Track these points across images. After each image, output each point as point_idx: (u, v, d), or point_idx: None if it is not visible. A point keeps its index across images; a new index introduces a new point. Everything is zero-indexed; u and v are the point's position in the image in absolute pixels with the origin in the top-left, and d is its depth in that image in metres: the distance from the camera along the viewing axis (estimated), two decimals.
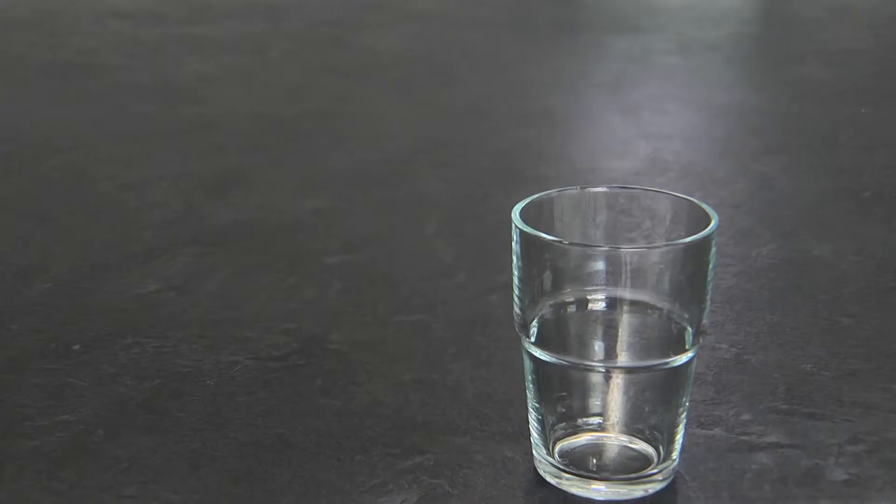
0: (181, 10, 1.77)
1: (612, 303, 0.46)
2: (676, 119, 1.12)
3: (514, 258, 0.46)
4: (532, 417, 0.48)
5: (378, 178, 0.92)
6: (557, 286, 0.47)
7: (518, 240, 0.46)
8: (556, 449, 0.48)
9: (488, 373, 0.57)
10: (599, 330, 0.47)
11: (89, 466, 0.49)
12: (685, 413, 0.47)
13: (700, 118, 1.14)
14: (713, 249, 0.45)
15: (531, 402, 0.48)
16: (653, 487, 0.47)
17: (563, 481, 0.47)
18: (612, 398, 0.47)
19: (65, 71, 1.37)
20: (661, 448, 0.47)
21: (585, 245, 0.48)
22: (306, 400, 0.55)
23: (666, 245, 0.47)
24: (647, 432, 0.47)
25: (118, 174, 0.93)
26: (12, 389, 0.56)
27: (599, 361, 0.46)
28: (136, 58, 1.44)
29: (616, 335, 0.47)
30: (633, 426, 0.47)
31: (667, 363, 0.46)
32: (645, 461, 0.47)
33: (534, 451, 0.48)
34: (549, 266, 0.46)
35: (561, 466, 0.47)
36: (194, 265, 0.72)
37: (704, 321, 0.46)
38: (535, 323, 0.47)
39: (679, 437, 0.48)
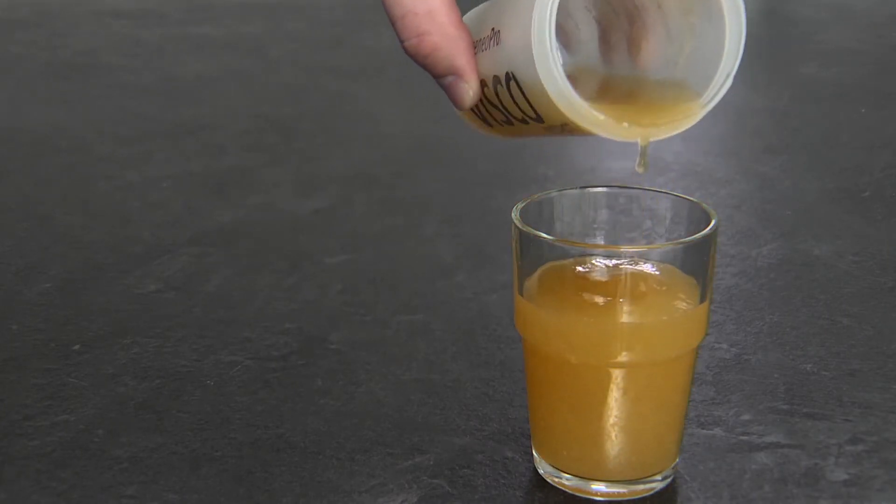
0: (181, 10, 1.77)
1: None
2: None
3: (514, 258, 0.46)
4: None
5: (378, 178, 0.92)
6: None
7: (518, 240, 0.46)
8: None
9: (488, 373, 0.57)
10: None
11: (89, 466, 0.49)
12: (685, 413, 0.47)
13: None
14: (713, 249, 0.45)
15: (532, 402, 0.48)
16: (653, 487, 0.47)
17: (564, 481, 0.47)
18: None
19: (65, 71, 1.37)
20: None
21: (585, 245, 0.48)
22: (306, 400, 0.54)
23: (666, 245, 0.47)
24: None
25: (118, 174, 0.93)
26: (12, 389, 0.56)
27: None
28: (136, 58, 1.44)
29: None
30: None
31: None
32: None
33: (533, 451, 0.48)
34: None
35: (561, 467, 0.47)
36: (194, 265, 0.72)
37: None
38: None
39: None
